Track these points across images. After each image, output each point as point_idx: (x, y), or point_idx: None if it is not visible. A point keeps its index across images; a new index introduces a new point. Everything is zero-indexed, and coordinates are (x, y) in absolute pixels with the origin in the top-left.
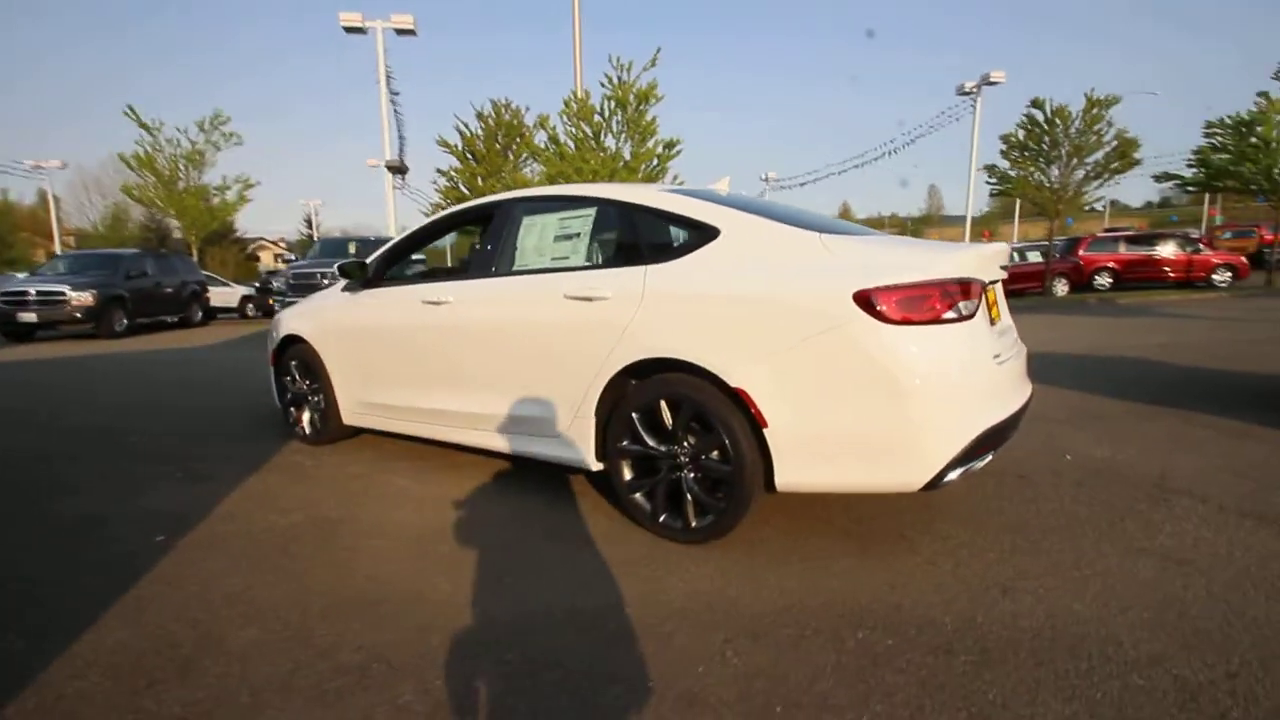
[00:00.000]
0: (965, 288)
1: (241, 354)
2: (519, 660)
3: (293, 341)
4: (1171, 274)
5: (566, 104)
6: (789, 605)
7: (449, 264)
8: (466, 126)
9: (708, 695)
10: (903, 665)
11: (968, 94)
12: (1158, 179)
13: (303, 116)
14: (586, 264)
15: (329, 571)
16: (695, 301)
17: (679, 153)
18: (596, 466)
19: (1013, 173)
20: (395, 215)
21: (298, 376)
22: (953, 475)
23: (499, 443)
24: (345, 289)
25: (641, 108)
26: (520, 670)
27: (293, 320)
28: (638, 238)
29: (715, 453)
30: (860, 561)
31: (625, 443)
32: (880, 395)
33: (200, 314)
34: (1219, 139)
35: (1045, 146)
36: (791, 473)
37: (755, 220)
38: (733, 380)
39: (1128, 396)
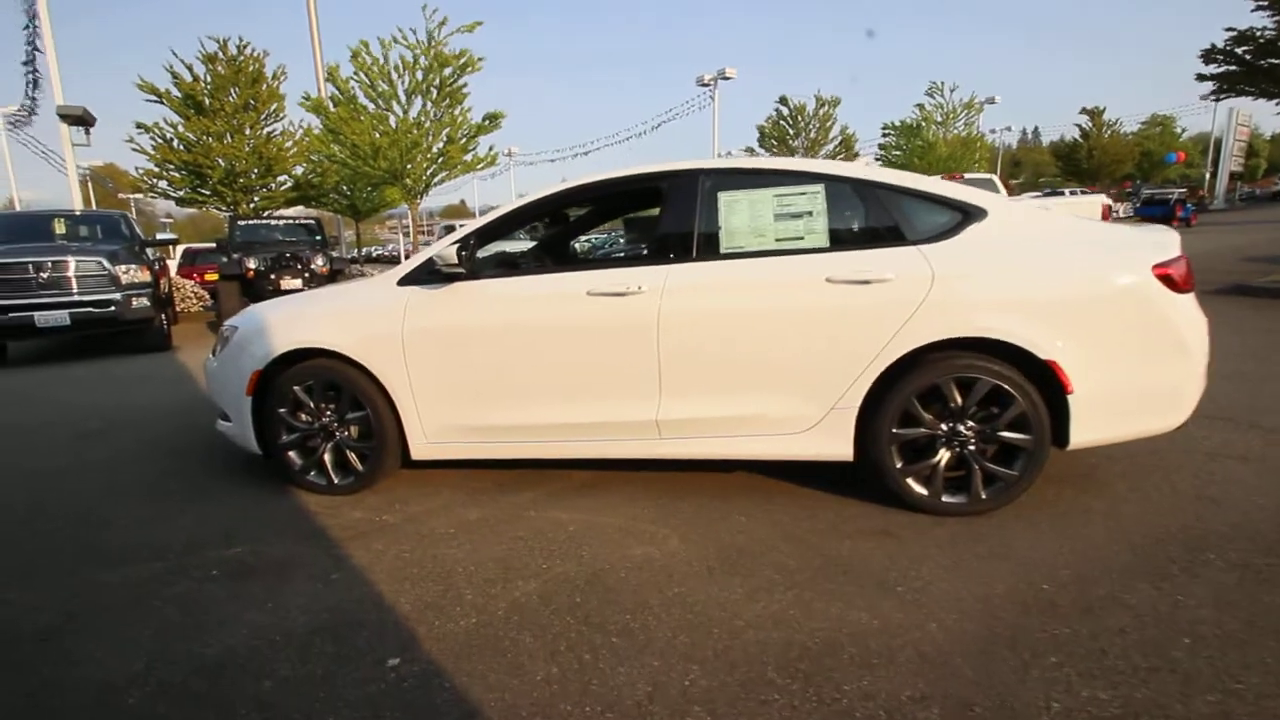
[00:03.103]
0: None
1: None
2: (1038, 651)
3: (298, 358)
4: None
5: (356, 55)
6: (1135, 550)
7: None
8: (190, 70)
9: (1228, 622)
10: (1267, 574)
11: (706, 85)
12: None
13: None
14: (832, 245)
15: (700, 631)
16: (993, 278)
17: (499, 125)
18: (850, 458)
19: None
20: (76, 179)
21: (313, 405)
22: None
23: (710, 448)
24: (406, 282)
25: (456, 73)
26: (1074, 652)
27: (305, 328)
28: (893, 218)
29: (1011, 423)
30: (1098, 511)
31: (897, 428)
32: (1173, 353)
33: None
34: (894, 139)
35: (790, 136)
36: (1086, 432)
37: (1012, 202)
38: (1042, 352)
39: None
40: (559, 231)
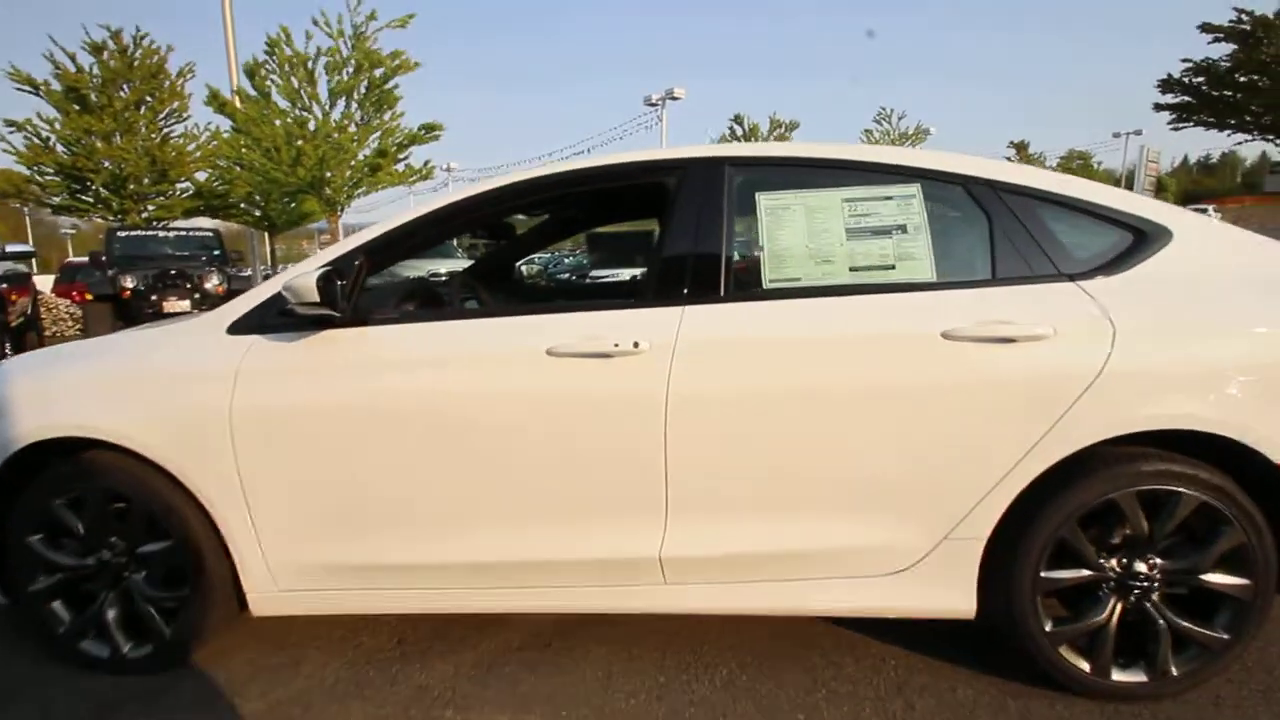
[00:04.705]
0: None
1: None
2: None
3: (64, 449)
4: None
5: (274, 45)
6: None
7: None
8: (73, 59)
9: None
10: None
11: (654, 105)
12: None
13: None
14: (939, 280)
15: None
16: (1199, 338)
17: (437, 137)
18: (971, 614)
19: None
20: None
21: (86, 530)
22: None
23: (744, 601)
24: (242, 328)
25: (388, 74)
26: None
27: (68, 404)
28: (1034, 238)
29: (1221, 560)
30: None
31: (1046, 570)
32: None
33: None
34: None
35: None
36: None
37: (1201, 219)
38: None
39: None
40: (501, 252)
